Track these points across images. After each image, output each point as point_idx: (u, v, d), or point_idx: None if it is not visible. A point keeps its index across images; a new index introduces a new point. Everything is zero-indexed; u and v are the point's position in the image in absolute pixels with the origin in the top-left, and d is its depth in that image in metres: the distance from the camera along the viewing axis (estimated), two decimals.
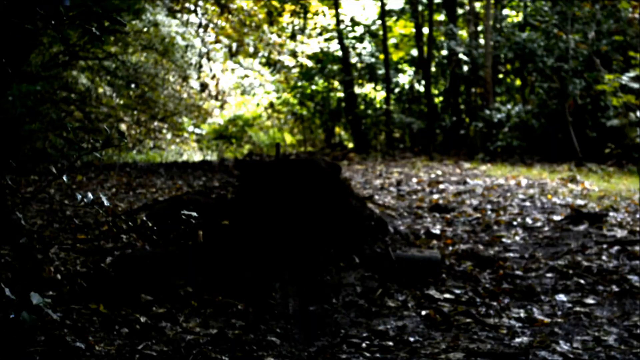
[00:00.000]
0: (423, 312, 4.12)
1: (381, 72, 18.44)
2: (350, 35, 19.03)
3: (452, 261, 5.30)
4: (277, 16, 22.19)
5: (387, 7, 18.43)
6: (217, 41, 23.09)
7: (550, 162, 13.75)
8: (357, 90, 19.17)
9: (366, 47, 19.16)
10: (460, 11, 18.42)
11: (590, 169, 12.27)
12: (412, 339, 3.68)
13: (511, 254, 5.70)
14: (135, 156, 16.62)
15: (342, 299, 4.29)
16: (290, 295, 4.21)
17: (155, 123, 19.00)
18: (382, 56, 18.42)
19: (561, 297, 4.48)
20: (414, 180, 11.06)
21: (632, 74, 11.62)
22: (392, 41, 19.51)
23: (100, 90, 16.05)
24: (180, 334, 3.60)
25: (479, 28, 17.70)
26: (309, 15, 21.60)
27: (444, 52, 18.16)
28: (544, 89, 14.93)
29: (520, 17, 17.49)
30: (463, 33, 18.12)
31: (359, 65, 19.04)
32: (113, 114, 16.49)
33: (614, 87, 11.74)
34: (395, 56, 19.34)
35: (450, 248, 5.87)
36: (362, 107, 18.83)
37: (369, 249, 5.06)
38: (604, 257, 5.46)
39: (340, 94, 19.32)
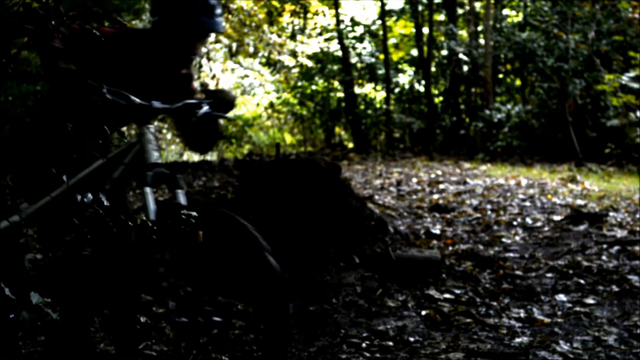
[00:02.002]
0: (423, 312, 4.12)
1: (381, 72, 18.44)
2: (350, 35, 19.03)
3: (452, 261, 5.30)
4: (277, 16, 22.18)
5: (387, 7, 18.43)
6: (217, 41, 23.08)
7: (550, 162, 13.75)
8: (357, 90, 19.17)
9: (366, 47, 19.15)
10: (460, 11, 18.42)
11: (590, 169, 12.27)
12: (412, 339, 3.68)
13: (511, 254, 5.70)
14: None
15: (342, 299, 4.29)
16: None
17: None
18: (382, 56, 18.42)
19: (561, 297, 4.48)
20: (414, 180, 11.06)
21: (632, 74, 11.61)
22: (392, 41, 19.50)
23: None
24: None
25: (479, 28, 17.70)
26: (309, 15, 21.59)
27: (444, 52, 18.15)
28: (544, 89, 14.93)
29: (520, 17, 17.48)
30: (463, 33, 18.12)
31: (359, 65, 19.04)
32: None
33: (614, 87, 11.74)
34: (395, 56, 19.34)
35: (450, 248, 5.87)
36: (362, 107, 18.83)
37: (369, 249, 5.07)
38: (604, 257, 5.46)
39: (340, 94, 19.31)
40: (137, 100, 2.83)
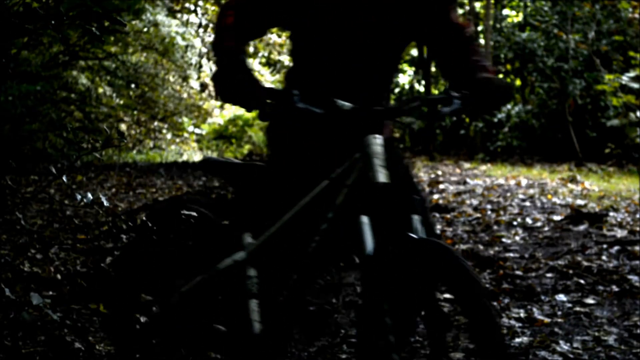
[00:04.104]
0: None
1: None
2: None
3: None
4: None
5: None
6: None
7: (550, 162, 13.76)
8: None
9: None
10: (460, 11, 18.43)
11: (590, 169, 12.27)
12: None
13: (511, 254, 5.70)
14: (135, 156, 16.63)
15: (342, 299, 4.30)
16: None
17: (155, 123, 19.02)
18: None
19: (561, 297, 4.48)
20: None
21: (632, 74, 11.62)
22: None
23: (100, 90, 16.05)
24: None
25: (479, 28, 17.70)
26: None
27: None
28: (544, 89, 14.93)
29: (520, 17, 17.49)
30: None
31: None
32: (113, 114, 16.49)
33: (614, 87, 11.75)
34: None
35: None
36: None
37: None
38: (604, 257, 5.45)
39: None
40: (346, 104, 2.22)
